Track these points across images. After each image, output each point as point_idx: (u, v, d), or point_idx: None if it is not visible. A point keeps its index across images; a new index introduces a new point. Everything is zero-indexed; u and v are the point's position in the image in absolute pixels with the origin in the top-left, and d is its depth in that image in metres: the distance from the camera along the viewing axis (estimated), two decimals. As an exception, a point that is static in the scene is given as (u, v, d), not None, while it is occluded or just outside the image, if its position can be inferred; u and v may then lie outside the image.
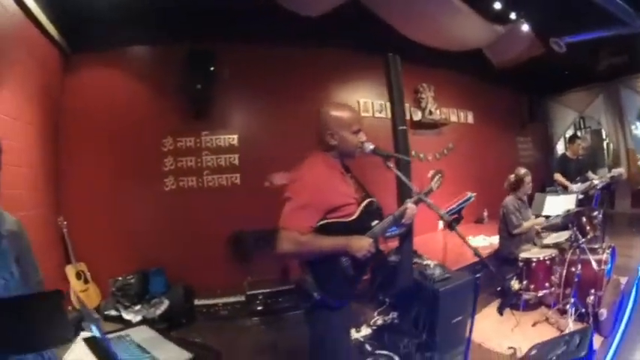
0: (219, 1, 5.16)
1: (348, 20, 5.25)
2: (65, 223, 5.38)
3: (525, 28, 6.05)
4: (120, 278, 5.37)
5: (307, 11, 4.86)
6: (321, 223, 2.39)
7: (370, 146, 2.62)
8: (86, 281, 5.35)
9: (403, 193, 3.91)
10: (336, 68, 6.50)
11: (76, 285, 5.22)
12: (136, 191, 5.75)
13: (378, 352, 3.48)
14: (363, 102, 6.60)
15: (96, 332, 1.89)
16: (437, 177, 2.83)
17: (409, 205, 2.62)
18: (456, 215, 4.58)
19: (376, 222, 2.53)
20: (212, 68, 5.53)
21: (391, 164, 2.77)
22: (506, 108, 9.50)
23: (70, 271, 5.26)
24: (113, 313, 5.07)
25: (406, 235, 4.01)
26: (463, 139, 7.74)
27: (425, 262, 4.13)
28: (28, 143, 4.82)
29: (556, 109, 10.44)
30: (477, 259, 2.55)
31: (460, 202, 4.63)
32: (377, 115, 6.83)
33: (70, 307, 5.08)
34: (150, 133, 5.81)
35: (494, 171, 7.40)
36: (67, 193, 5.67)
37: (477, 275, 3.24)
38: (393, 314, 3.96)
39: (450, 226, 2.63)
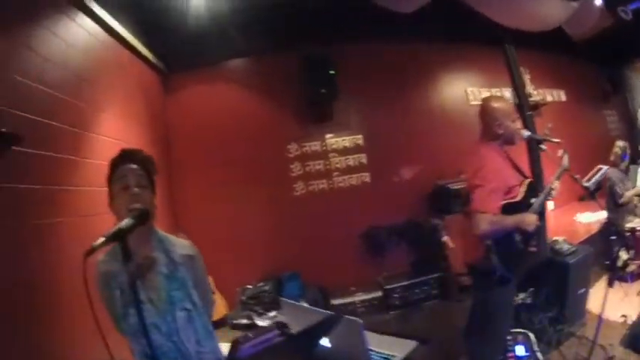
0: (320, 5, 5.34)
1: (444, 13, 5.35)
2: (186, 237, 5.70)
3: (598, 1, 6.15)
4: (250, 286, 5.66)
5: (401, 8, 5.00)
6: (502, 203, 2.77)
7: (527, 133, 3.12)
8: (212, 293, 5.65)
9: (536, 171, 4.39)
10: (441, 60, 6.72)
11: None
12: (263, 199, 6.09)
13: (513, 330, 3.59)
14: (470, 90, 6.79)
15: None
16: (566, 155, 3.16)
17: (555, 182, 3.05)
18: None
19: (534, 199, 2.89)
20: (332, 71, 5.77)
21: (544, 147, 3.34)
22: (592, 83, 9.52)
23: (192, 284, 5.58)
24: (244, 321, 5.30)
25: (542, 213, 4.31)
26: (559, 118, 7.82)
27: (553, 238, 4.43)
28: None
29: (634, 79, 10.21)
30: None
31: (599, 174, 4.94)
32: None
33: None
34: (272, 141, 6.19)
35: (589, 147, 7.46)
36: (185, 209, 6.10)
37: (612, 237, 4.30)
38: (522, 294, 4.13)
39: (592, 195, 3.58)
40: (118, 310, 1.75)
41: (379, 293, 5.43)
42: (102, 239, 1.41)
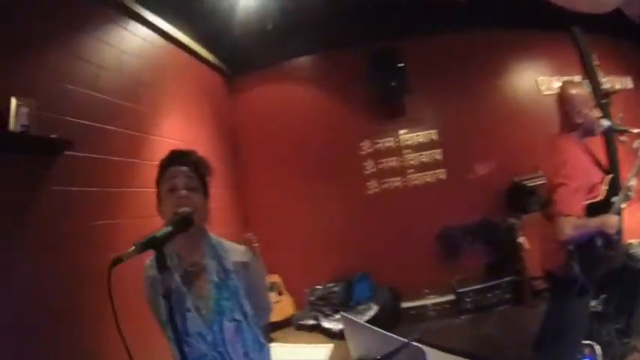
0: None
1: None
2: (255, 237, 5.83)
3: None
4: (320, 287, 5.66)
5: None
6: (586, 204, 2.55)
7: (607, 122, 2.83)
8: (280, 293, 5.76)
9: (614, 166, 3.95)
10: (510, 49, 6.28)
11: (268, 298, 5.61)
12: (336, 198, 6.11)
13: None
14: (540, 80, 6.32)
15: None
16: None
17: (633, 179, 2.75)
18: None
19: (615, 198, 2.64)
20: (400, 64, 5.61)
21: (624, 138, 3.00)
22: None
23: (262, 284, 5.66)
24: (310, 322, 5.30)
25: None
26: (627, 106, 7.19)
27: (628, 242, 4.15)
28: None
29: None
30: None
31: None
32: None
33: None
34: (344, 138, 6.10)
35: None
36: (255, 209, 6.24)
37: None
38: (593, 302, 3.84)
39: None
40: (163, 316, 1.65)
41: (451, 296, 5.25)
42: (132, 248, 1.34)
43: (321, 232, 6.01)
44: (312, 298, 5.60)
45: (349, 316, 2.21)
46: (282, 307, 5.66)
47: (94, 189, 3.22)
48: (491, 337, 4.44)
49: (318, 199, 6.04)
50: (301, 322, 5.37)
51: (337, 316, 5.15)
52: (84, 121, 3.19)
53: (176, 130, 4.65)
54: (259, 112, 6.33)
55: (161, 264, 1.39)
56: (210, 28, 5.04)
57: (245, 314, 1.75)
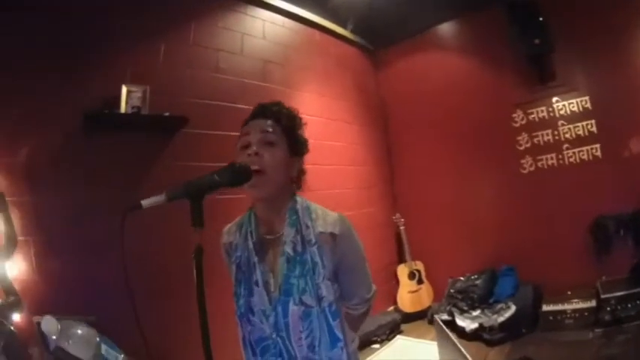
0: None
1: None
2: (402, 220, 6.06)
3: None
4: (462, 278, 5.53)
5: None
6: None
7: None
8: (420, 281, 5.84)
9: None
10: None
11: (406, 285, 5.79)
12: (486, 178, 5.95)
13: None
14: None
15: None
16: None
17: None
18: None
19: None
20: (541, 18, 5.08)
21: None
22: None
23: (402, 270, 5.88)
24: (444, 317, 5.14)
25: None
26: None
27: None
28: (351, 142, 5.77)
29: None
30: None
31: None
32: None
33: (391, 308, 5.74)
34: (494, 109, 5.86)
35: None
36: (401, 187, 6.47)
37: None
38: None
39: None
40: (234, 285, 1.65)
41: (593, 303, 4.70)
42: (161, 195, 1.22)
43: (470, 217, 5.96)
44: (452, 291, 5.43)
45: (440, 321, 2.27)
46: (419, 297, 5.80)
47: (214, 164, 3.72)
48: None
49: (468, 178, 6.01)
50: (436, 316, 5.26)
51: (474, 313, 5.03)
52: (204, 101, 3.82)
53: (315, 105, 5.17)
54: (403, 86, 6.43)
55: (195, 218, 1.24)
56: (342, 6, 5.37)
57: (320, 299, 1.54)
